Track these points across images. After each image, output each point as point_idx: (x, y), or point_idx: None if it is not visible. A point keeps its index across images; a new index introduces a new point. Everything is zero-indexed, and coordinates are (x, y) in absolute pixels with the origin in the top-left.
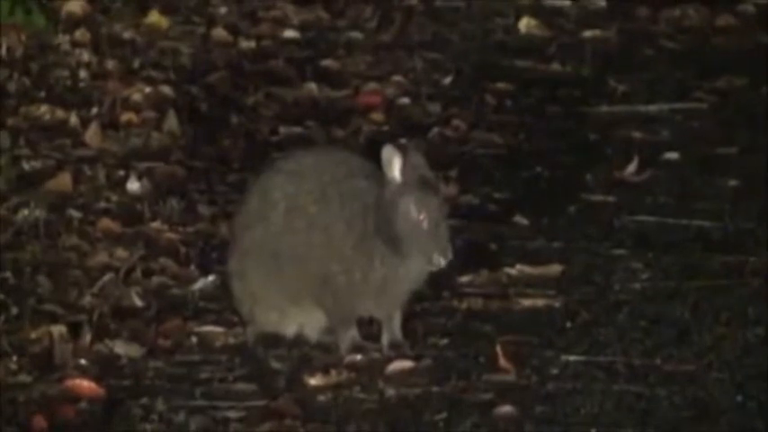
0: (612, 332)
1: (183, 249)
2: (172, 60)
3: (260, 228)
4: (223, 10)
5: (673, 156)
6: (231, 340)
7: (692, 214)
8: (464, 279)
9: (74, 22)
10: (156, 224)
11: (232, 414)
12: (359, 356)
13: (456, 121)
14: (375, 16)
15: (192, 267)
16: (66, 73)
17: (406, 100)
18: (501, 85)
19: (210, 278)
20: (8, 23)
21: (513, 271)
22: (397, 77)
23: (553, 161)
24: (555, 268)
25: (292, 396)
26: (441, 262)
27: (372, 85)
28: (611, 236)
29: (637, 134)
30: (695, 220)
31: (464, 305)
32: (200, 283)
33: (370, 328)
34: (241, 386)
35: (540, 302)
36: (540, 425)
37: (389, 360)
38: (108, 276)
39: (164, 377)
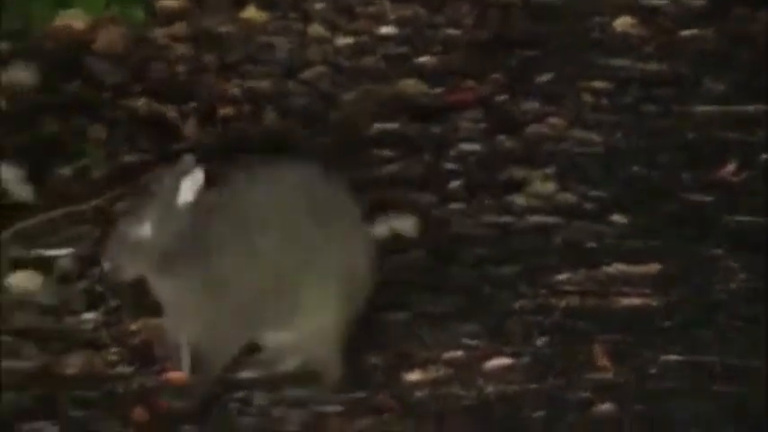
0: (710, 332)
1: None
2: (269, 55)
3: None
4: (320, 6)
5: None
6: None
7: None
8: (562, 277)
9: (171, 16)
10: None
11: (330, 409)
12: (457, 353)
13: (553, 119)
14: (472, 13)
15: None
16: (163, 66)
17: (503, 97)
18: (598, 84)
19: None
20: (106, 17)
21: (610, 269)
22: (494, 74)
23: (650, 160)
24: (653, 267)
25: (390, 392)
26: None
27: (469, 82)
28: (709, 235)
29: (733, 134)
30: None
31: (562, 303)
32: None
33: None
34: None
35: (638, 301)
36: (639, 424)
37: (488, 356)
38: None
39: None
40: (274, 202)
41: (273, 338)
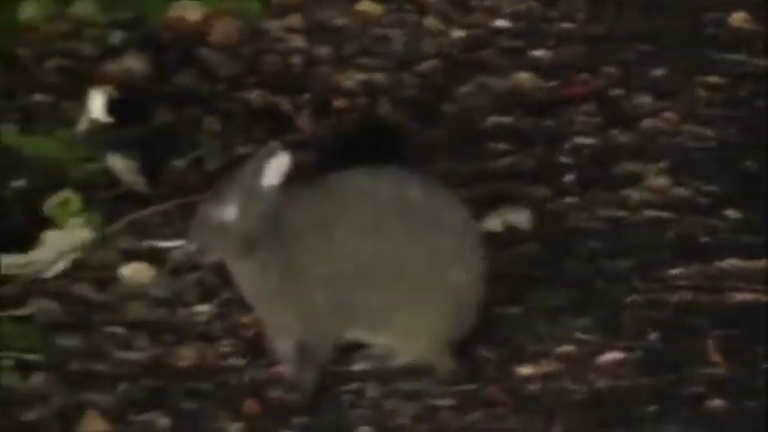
0: None
1: None
2: (384, 48)
3: None
4: None
5: None
6: None
7: None
8: (675, 272)
9: (286, 8)
10: None
11: (441, 402)
12: (570, 347)
13: (667, 114)
14: (587, 7)
15: None
16: (277, 58)
17: (617, 91)
18: (712, 79)
19: None
20: (221, 9)
21: (723, 264)
22: (609, 69)
23: (764, 155)
24: (766, 262)
25: (502, 385)
26: None
27: (583, 76)
28: None
29: None
30: None
31: (675, 298)
32: None
33: None
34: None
35: (750, 297)
36: (751, 420)
37: (600, 351)
38: None
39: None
40: (368, 205)
41: (370, 337)
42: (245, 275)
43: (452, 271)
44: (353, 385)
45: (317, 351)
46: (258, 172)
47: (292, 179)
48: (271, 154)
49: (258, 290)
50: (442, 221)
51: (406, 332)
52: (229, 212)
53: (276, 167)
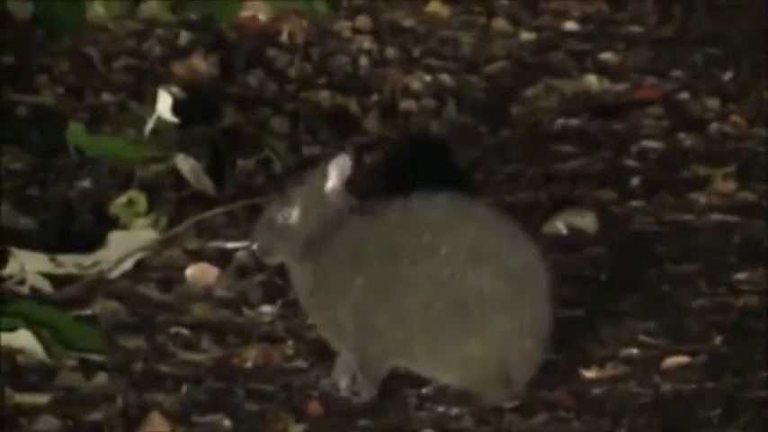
0: None
1: None
2: (452, 50)
3: None
4: (504, 1)
5: None
6: None
7: None
8: (740, 276)
9: (355, 9)
10: None
11: (508, 404)
12: (635, 350)
13: (735, 117)
14: (656, 10)
15: None
16: (346, 59)
17: (685, 95)
18: None
19: None
20: (290, 10)
21: None
22: (677, 72)
23: None
24: None
25: (567, 388)
26: None
27: (651, 80)
28: None
29: None
30: None
31: (740, 302)
32: None
33: None
34: None
35: None
36: None
37: (665, 354)
38: None
39: None
40: (423, 236)
41: (418, 368)
42: (300, 279)
43: (505, 312)
44: (419, 389)
45: (362, 371)
46: (323, 176)
47: (360, 193)
48: (339, 159)
49: (307, 294)
50: (501, 258)
51: (449, 365)
52: (293, 215)
53: (340, 172)
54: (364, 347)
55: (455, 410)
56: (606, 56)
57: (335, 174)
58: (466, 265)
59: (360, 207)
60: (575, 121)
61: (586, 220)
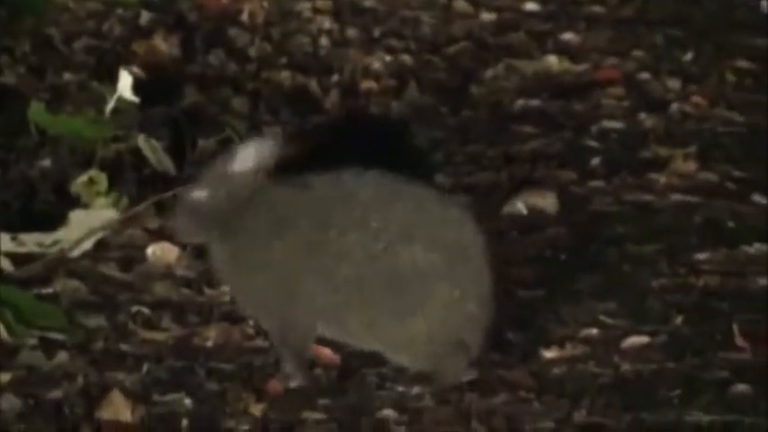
0: None
1: None
2: (412, 30)
3: None
4: None
5: None
6: None
7: None
8: (701, 256)
9: None
10: None
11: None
12: (595, 330)
13: (696, 98)
14: None
15: None
16: (307, 39)
17: (646, 75)
18: (741, 63)
19: None
20: None
21: (751, 250)
22: (638, 53)
23: None
24: None
25: (527, 368)
26: None
27: (612, 60)
28: None
29: None
30: None
31: (701, 282)
32: None
33: None
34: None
35: None
36: None
37: (625, 334)
38: None
39: None
40: (347, 208)
41: (359, 344)
42: (218, 255)
43: (443, 283)
44: (379, 368)
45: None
46: (233, 157)
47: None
48: (252, 142)
49: (227, 271)
50: (433, 231)
51: (392, 341)
52: (201, 196)
53: (252, 152)
54: (290, 315)
55: (416, 390)
56: (567, 36)
57: (248, 156)
58: (398, 240)
59: (287, 180)
60: (535, 102)
61: (547, 201)
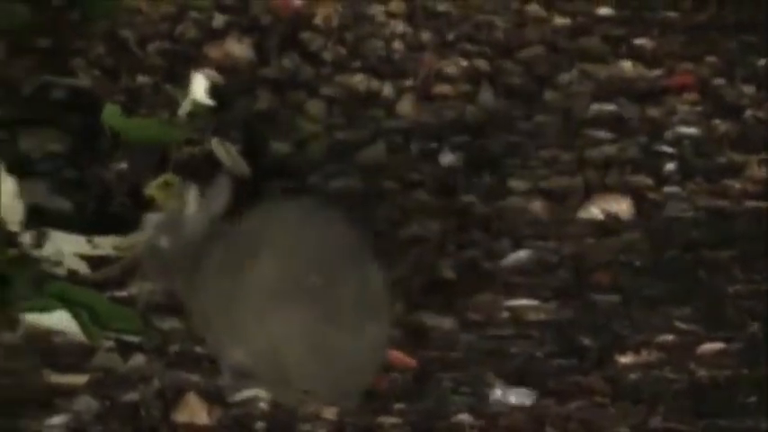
0: None
1: (495, 223)
2: (486, 34)
3: None
4: None
5: None
6: (543, 316)
7: None
8: None
9: None
10: (468, 197)
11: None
12: (670, 336)
13: None
14: None
15: (505, 241)
16: (381, 44)
17: (720, 81)
18: None
19: (523, 253)
20: None
21: None
22: (712, 58)
23: None
24: None
25: (602, 374)
26: None
27: (686, 65)
28: None
29: None
30: None
31: None
32: (512, 258)
33: None
34: (551, 362)
35: None
36: None
37: (701, 341)
38: (421, 248)
39: (474, 350)
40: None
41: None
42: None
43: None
44: (455, 372)
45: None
46: (184, 203)
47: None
48: (213, 186)
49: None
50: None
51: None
52: (160, 241)
53: (196, 195)
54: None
55: (491, 394)
56: (641, 41)
57: (192, 197)
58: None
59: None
60: (609, 107)
61: (621, 206)
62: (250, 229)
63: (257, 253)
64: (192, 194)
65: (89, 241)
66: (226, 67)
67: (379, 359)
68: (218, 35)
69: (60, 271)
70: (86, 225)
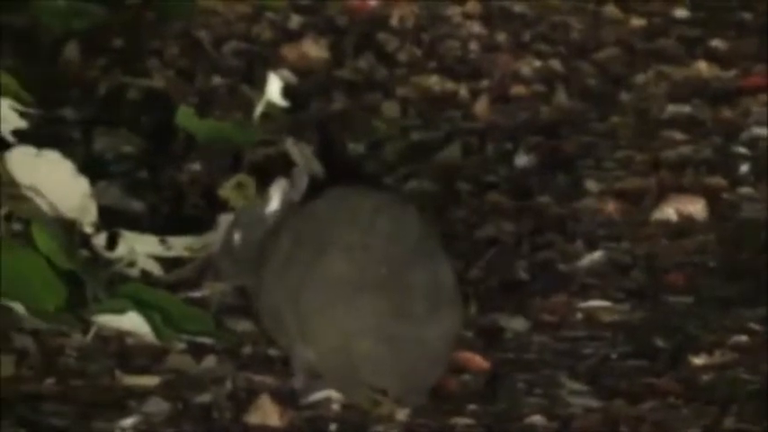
0: None
1: (570, 224)
2: (562, 35)
3: None
4: None
5: None
6: (616, 317)
7: None
8: None
9: None
10: (543, 198)
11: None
12: (744, 337)
13: None
14: None
15: (579, 242)
16: (456, 44)
17: None
18: None
19: (597, 254)
20: None
21: None
22: None
23: None
24: None
25: (676, 375)
26: None
27: (761, 67)
28: None
29: None
30: None
31: None
32: (586, 260)
33: None
34: (624, 363)
35: None
36: None
37: None
38: (495, 249)
39: (548, 352)
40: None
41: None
42: (256, 299)
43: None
44: (528, 374)
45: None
46: (264, 200)
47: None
48: (278, 183)
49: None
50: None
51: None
52: (235, 238)
53: (278, 192)
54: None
55: (563, 397)
56: (716, 42)
57: (275, 195)
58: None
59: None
60: (685, 108)
61: (696, 207)
62: (320, 222)
63: (327, 246)
64: (276, 189)
65: (162, 242)
66: (301, 68)
67: (448, 353)
68: (293, 36)
69: (133, 272)
70: (160, 226)
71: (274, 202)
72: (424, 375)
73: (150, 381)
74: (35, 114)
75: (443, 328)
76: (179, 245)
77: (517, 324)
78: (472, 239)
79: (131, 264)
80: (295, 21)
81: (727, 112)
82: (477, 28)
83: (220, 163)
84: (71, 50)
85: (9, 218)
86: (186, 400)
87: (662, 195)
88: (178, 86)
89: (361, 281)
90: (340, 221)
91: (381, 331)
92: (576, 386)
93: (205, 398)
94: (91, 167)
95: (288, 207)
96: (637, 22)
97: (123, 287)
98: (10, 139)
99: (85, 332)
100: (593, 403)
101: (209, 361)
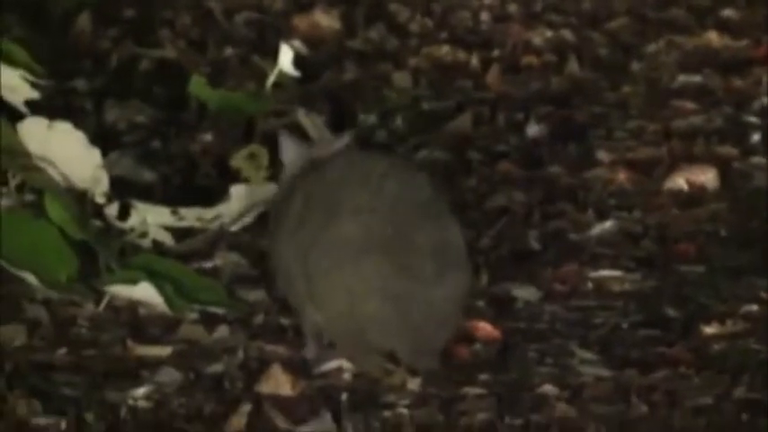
0: None
1: (581, 194)
2: (573, 5)
3: None
4: None
5: None
6: (627, 286)
7: None
8: None
9: None
10: (554, 168)
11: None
12: (755, 307)
13: None
14: None
15: (590, 212)
16: (468, 14)
17: None
18: None
19: (608, 224)
20: None
21: None
22: None
23: None
24: None
25: (687, 344)
26: None
27: None
28: None
29: None
30: None
31: None
32: (597, 229)
33: None
34: (636, 333)
35: None
36: None
37: None
38: (506, 219)
39: (559, 321)
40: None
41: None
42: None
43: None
44: (539, 343)
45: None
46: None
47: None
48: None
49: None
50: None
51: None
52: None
53: (285, 150)
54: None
55: (574, 365)
56: (727, 12)
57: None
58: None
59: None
60: (696, 78)
61: (707, 176)
62: (331, 184)
63: (336, 209)
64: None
65: (174, 213)
66: (313, 39)
67: (457, 314)
68: (305, 6)
69: (145, 243)
70: (172, 197)
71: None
72: (431, 337)
73: (162, 351)
74: (47, 85)
75: (451, 290)
76: (191, 215)
77: (528, 293)
78: (483, 209)
79: (143, 234)
80: None
81: (738, 82)
82: None
83: (232, 133)
84: (83, 21)
85: (21, 188)
86: (198, 369)
87: (673, 165)
88: (190, 57)
89: (368, 243)
90: (350, 184)
91: (387, 291)
92: (588, 355)
93: (217, 368)
94: (103, 138)
95: (302, 167)
96: None
97: (135, 258)
98: (22, 109)
99: (98, 302)
100: (605, 372)
101: (221, 331)
